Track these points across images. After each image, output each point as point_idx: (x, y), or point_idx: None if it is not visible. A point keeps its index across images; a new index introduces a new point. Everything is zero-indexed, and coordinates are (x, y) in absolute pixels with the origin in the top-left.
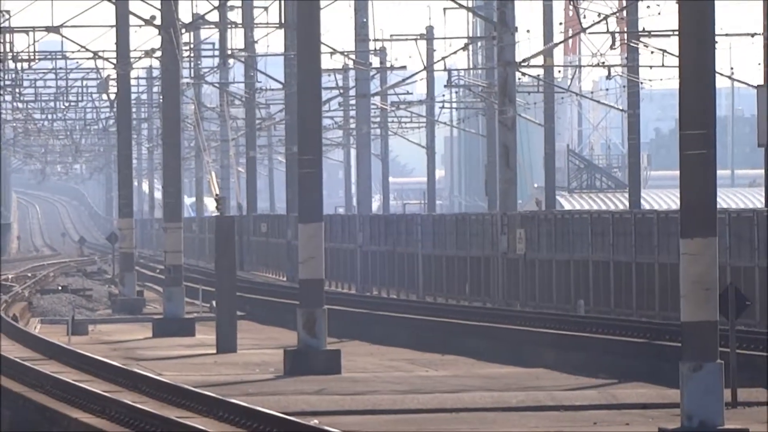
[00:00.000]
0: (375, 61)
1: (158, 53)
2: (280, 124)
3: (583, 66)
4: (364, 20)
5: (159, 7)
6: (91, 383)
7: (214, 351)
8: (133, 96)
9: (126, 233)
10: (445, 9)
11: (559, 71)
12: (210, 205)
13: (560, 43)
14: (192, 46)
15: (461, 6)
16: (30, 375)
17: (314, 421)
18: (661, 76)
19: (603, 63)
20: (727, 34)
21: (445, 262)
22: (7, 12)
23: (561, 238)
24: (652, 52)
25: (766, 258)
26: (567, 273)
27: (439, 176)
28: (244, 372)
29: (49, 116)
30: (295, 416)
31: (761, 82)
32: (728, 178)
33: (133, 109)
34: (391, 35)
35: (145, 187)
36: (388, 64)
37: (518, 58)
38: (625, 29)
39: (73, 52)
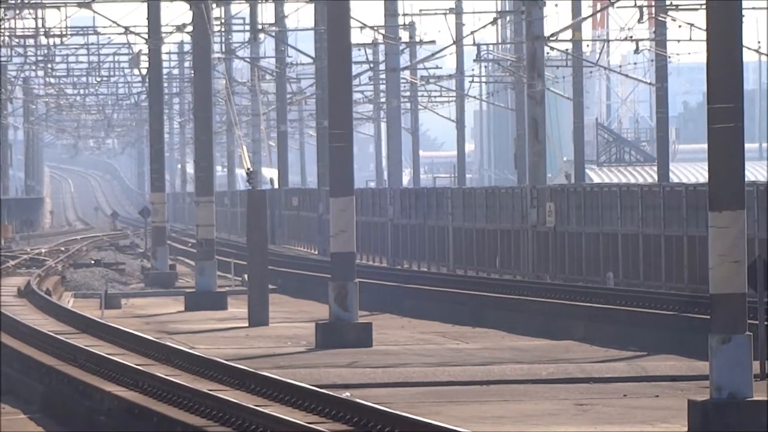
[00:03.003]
0: (404, 35)
1: (189, 28)
2: (311, 98)
3: (612, 40)
4: None
5: None
6: (124, 357)
7: (246, 324)
8: (165, 71)
9: (158, 207)
10: None
11: (588, 45)
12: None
13: (589, 17)
14: (223, 20)
15: None
16: (63, 348)
17: (346, 394)
18: (689, 50)
19: (631, 37)
20: (754, 8)
21: (475, 235)
22: None
23: (590, 211)
24: (679, 26)
25: None
26: (596, 246)
27: (468, 150)
28: (276, 345)
29: (81, 91)
30: (327, 389)
31: None
32: (756, 151)
33: (165, 84)
34: (420, 10)
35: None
36: (417, 39)
37: (547, 33)
38: (653, 3)
39: (104, 27)
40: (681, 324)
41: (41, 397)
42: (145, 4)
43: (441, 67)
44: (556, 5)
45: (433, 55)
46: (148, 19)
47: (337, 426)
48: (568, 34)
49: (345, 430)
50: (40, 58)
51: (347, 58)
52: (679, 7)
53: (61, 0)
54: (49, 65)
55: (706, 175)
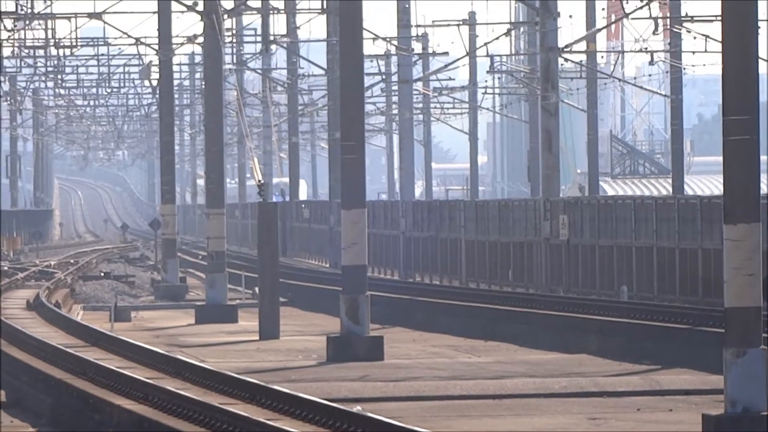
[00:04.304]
0: (417, 46)
1: (200, 39)
2: (323, 110)
3: (626, 51)
4: (407, 6)
5: None
6: (133, 370)
7: (257, 337)
8: (176, 82)
9: (168, 219)
10: None
11: (602, 57)
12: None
13: (603, 28)
14: (234, 31)
15: None
16: (72, 362)
17: (357, 408)
18: (704, 62)
19: (646, 48)
20: None
21: (488, 247)
22: None
23: (604, 224)
24: (694, 38)
25: None
26: (610, 258)
27: (481, 162)
28: (286, 358)
29: (92, 102)
30: (338, 403)
31: None
32: None
33: (176, 96)
34: (433, 21)
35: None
36: (430, 50)
37: (561, 44)
38: (668, 14)
39: (115, 38)
40: (695, 337)
41: (50, 411)
42: (156, 15)
43: (454, 79)
44: (571, 16)
45: (446, 66)
46: (158, 29)
47: None
48: (582, 46)
49: None
50: (50, 69)
51: (359, 70)
52: (695, 19)
53: (71, 11)
54: (59, 76)
55: (721, 187)
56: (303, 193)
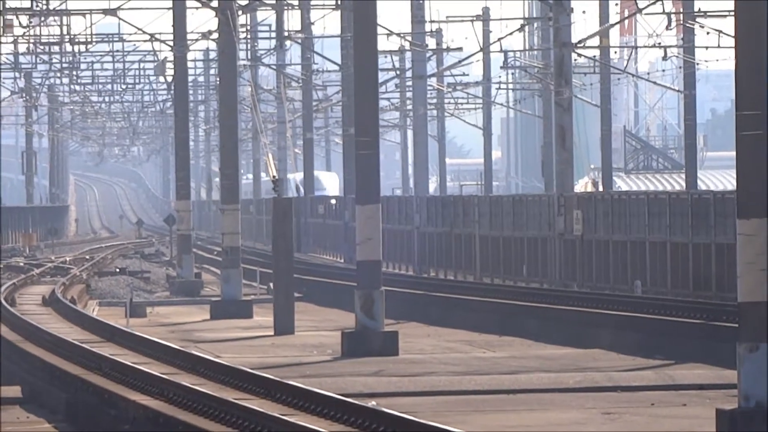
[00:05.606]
0: (431, 42)
1: (215, 35)
2: (337, 105)
3: (639, 47)
4: (421, 2)
5: None
6: (149, 365)
7: (272, 333)
8: (190, 78)
9: (183, 215)
10: None
11: (615, 52)
12: (327, 183)
13: (616, 24)
14: (249, 27)
15: None
16: (88, 357)
17: (372, 403)
18: (717, 57)
19: (659, 44)
20: None
21: (502, 243)
22: None
23: (618, 219)
24: (708, 33)
25: None
26: (624, 254)
27: (495, 157)
28: (301, 354)
29: (107, 99)
30: (353, 398)
31: None
32: None
33: (190, 92)
34: (447, 16)
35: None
36: (444, 46)
37: (574, 39)
38: (681, 10)
39: (130, 34)
40: (709, 332)
41: (66, 406)
42: (171, 11)
43: (468, 74)
44: (584, 12)
45: (460, 62)
46: (173, 26)
47: None
48: (595, 41)
49: None
50: (65, 65)
51: (374, 65)
52: (708, 14)
53: (86, 7)
54: (74, 72)
55: (734, 182)
56: (335, 187)
